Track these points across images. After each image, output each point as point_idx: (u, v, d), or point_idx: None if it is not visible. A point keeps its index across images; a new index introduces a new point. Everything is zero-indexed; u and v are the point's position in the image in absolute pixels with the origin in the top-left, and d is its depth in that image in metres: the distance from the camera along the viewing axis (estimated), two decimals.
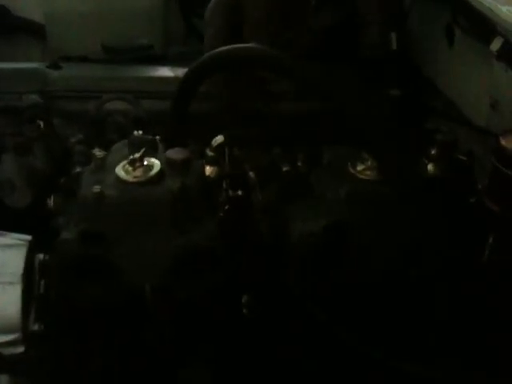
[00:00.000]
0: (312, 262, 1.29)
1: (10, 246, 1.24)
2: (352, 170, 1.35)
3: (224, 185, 1.35)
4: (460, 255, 1.28)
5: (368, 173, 1.34)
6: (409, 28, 1.82)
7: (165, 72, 1.77)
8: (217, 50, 1.42)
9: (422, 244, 1.27)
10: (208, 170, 1.34)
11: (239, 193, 1.36)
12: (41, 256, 1.27)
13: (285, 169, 1.41)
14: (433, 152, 1.38)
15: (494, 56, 1.37)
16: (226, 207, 1.34)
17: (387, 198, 1.30)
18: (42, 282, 1.26)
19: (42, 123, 1.57)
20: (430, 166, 1.38)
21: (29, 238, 1.26)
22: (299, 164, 1.42)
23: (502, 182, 1.24)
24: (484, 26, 1.37)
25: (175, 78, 1.56)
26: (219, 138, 1.33)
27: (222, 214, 1.34)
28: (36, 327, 1.23)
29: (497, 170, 1.25)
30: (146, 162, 1.30)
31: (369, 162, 1.34)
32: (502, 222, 1.24)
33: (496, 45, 1.32)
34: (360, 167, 1.35)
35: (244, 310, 1.32)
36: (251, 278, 1.31)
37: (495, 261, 1.26)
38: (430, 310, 1.26)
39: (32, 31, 2.01)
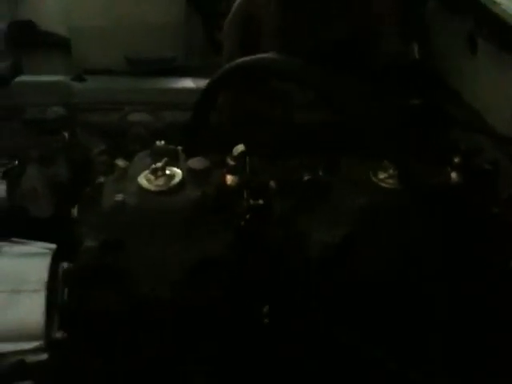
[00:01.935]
0: (329, 271, 1.29)
1: (34, 255, 1.25)
2: (373, 179, 1.34)
3: (245, 194, 1.35)
4: (482, 265, 1.27)
5: (389, 181, 1.33)
6: (431, 37, 1.82)
7: (186, 83, 1.79)
8: (237, 61, 1.43)
9: (441, 255, 1.26)
10: (229, 179, 1.34)
11: (260, 202, 1.36)
12: (64, 264, 1.29)
13: (305, 178, 1.40)
14: (456, 160, 1.36)
15: None
16: (247, 216, 1.34)
17: (407, 209, 1.29)
18: (65, 290, 1.27)
19: (66, 134, 1.60)
20: (453, 175, 1.37)
21: (53, 246, 1.27)
22: (319, 173, 1.41)
23: None
24: (507, 34, 1.36)
25: (197, 90, 1.57)
26: (240, 147, 1.34)
27: (242, 223, 1.34)
28: (59, 335, 1.23)
29: None
30: (167, 172, 1.31)
31: (390, 171, 1.33)
32: None
33: None
34: (381, 176, 1.34)
35: (264, 320, 1.31)
36: (268, 287, 1.31)
37: None
38: (447, 320, 1.24)
39: (57, 45, 2.04)
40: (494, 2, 1.37)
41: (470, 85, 1.65)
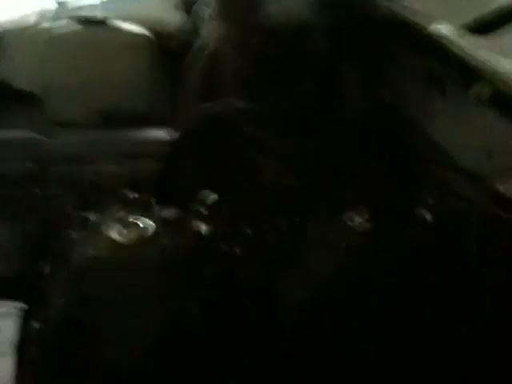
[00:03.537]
0: (301, 335, 1.26)
1: (2, 315, 1.21)
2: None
3: (218, 244, 1.33)
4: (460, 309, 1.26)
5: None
6: (394, 76, 1.83)
7: (158, 134, 1.79)
8: (207, 113, 1.44)
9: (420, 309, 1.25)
10: (202, 228, 1.32)
11: (236, 251, 1.34)
12: (34, 324, 1.24)
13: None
14: (429, 201, 1.37)
15: (486, 104, 1.37)
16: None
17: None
18: (35, 350, 1.22)
19: (37, 190, 1.58)
20: (426, 216, 1.37)
21: (21, 305, 1.23)
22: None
23: (502, 229, 1.22)
24: (468, 72, 1.38)
25: (169, 140, 1.57)
26: (213, 197, 1.33)
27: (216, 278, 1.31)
28: None
29: (497, 217, 1.23)
30: (140, 224, 1.29)
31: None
32: (502, 268, 1.21)
33: (485, 93, 1.32)
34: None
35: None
36: (240, 353, 1.27)
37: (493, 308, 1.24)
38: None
39: (25, 100, 2.03)
40: (452, 43, 1.39)
41: (434, 121, 1.65)
